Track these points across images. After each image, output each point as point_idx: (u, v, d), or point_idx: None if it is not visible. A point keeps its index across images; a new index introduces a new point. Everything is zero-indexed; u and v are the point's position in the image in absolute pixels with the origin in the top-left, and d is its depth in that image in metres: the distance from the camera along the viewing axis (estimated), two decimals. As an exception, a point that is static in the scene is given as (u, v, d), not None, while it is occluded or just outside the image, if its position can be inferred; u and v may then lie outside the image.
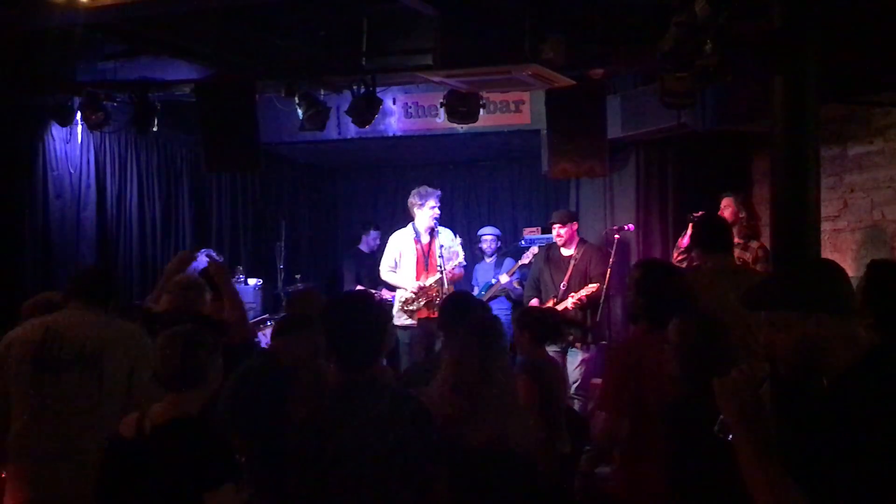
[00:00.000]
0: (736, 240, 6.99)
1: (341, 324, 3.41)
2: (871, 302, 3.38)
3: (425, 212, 8.02)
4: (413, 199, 8.17)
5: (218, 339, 3.44)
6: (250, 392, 4.27)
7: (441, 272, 7.82)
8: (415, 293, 8.03)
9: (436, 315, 7.58)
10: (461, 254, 8.31)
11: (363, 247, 10.04)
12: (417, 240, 8.10)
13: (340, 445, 3.18)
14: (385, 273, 8.39)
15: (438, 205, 8.07)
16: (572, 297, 7.59)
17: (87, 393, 3.99)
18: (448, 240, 8.18)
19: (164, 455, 3.17)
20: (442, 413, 3.56)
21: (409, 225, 8.24)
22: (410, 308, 8.00)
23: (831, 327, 2.44)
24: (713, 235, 5.38)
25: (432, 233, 8.13)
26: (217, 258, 8.23)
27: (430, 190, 8.14)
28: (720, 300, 4.56)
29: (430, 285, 7.93)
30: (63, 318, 4.18)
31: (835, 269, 2.58)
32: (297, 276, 9.34)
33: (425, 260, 7.97)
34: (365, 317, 3.42)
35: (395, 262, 8.30)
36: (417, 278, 8.09)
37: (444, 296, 7.50)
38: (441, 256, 7.86)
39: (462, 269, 8.38)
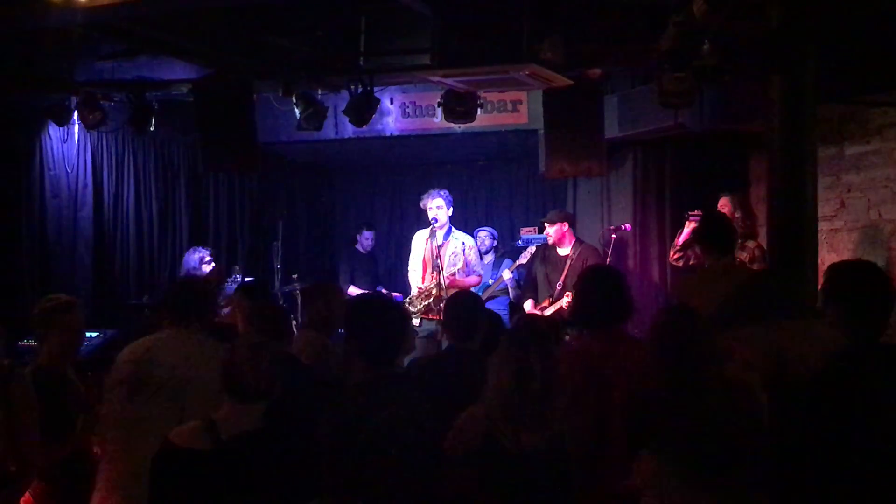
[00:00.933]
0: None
1: (369, 322, 3.62)
2: (831, 301, 3.39)
3: (428, 213, 8.06)
4: (421, 201, 8.21)
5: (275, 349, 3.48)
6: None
7: (439, 274, 7.81)
8: (416, 295, 8.04)
9: (434, 317, 7.62)
10: (473, 261, 8.28)
11: (359, 247, 10.07)
12: (429, 240, 8.09)
13: (367, 437, 3.27)
14: (409, 272, 8.42)
15: (441, 205, 8.03)
16: (567, 295, 7.60)
17: (170, 419, 3.87)
18: (458, 245, 8.17)
19: (249, 465, 3.13)
20: (492, 422, 3.57)
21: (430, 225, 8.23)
22: (413, 309, 8.01)
23: (794, 333, 2.46)
24: (715, 236, 5.39)
25: (446, 235, 8.11)
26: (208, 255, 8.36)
27: (432, 191, 8.16)
28: (707, 301, 4.58)
29: (430, 287, 7.92)
30: (161, 341, 4.20)
31: (787, 277, 2.62)
32: (294, 276, 9.34)
33: (432, 261, 7.96)
34: (389, 316, 3.66)
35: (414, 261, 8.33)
36: (423, 279, 8.09)
37: (443, 298, 7.49)
38: (438, 257, 7.86)
39: (476, 277, 8.34)
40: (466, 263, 8.13)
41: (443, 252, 7.95)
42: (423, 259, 8.14)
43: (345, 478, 3.28)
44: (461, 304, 4.77)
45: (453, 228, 8.24)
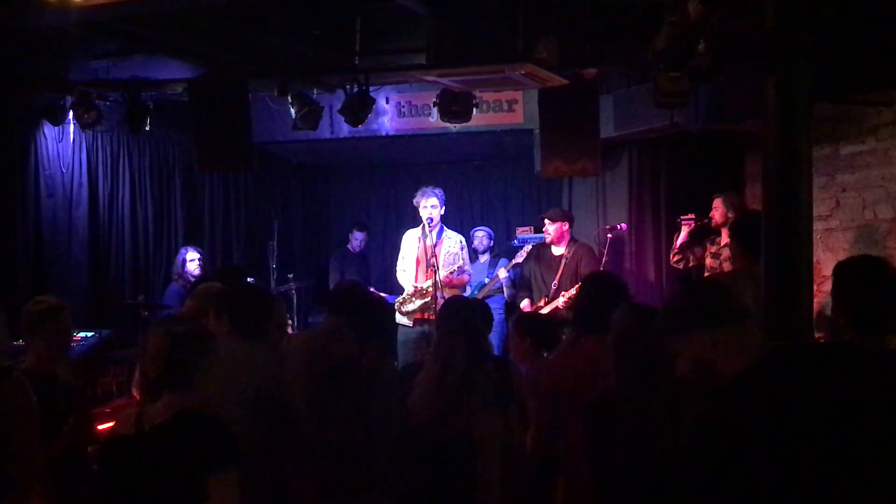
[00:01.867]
0: (725, 240, 7.01)
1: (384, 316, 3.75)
2: (841, 303, 3.38)
3: (420, 211, 8.03)
4: (414, 199, 8.18)
5: (207, 342, 3.44)
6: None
7: (436, 274, 7.80)
8: (410, 294, 8.02)
9: (430, 317, 7.59)
10: (466, 260, 8.30)
11: (350, 247, 10.06)
12: (422, 239, 8.07)
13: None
14: (397, 272, 8.40)
15: (436, 204, 8.01)
16: (563, 295, 7.59)
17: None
18: (453, 245, 8.17)
19: (165, 447, 3.18)
20: (421, 410, 3.63)
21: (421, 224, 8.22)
22: (405, 309, 7.99)
23: (715, 342, 2.48)
24: (751, 237, 5.32)
25: (439, 234, 8.09)
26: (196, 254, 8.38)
27: (427, 189, 8.13)
28: None
29: (426, 288, 7.89)
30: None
31: (707, 287, 2.63)
32: (290, 276, 9.34)
33: (426, 260, 7.93)
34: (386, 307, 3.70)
35: (405, 260, 8.29)
36: (417, 278, 8.07)
37: (439, 299, 7.50)
38: (434, 256, 7.85)
39: (467, 276, 8.34)
40: (454, 260, 8.14)
41: (438, 251, 7.93)
42: (417, 258, 8.11)
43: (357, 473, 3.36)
44: (454, 310, 4.78)
45: (445, 227, 8.23)
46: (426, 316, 7.79)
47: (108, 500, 3.32)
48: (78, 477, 4.42)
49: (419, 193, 8.12)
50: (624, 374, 3.35)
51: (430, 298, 7.72)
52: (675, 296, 2.67)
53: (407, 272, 8.24)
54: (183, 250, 8.58)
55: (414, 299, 7.96)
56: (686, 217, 7.45)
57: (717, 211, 7.30)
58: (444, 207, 8.17)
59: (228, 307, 4.29)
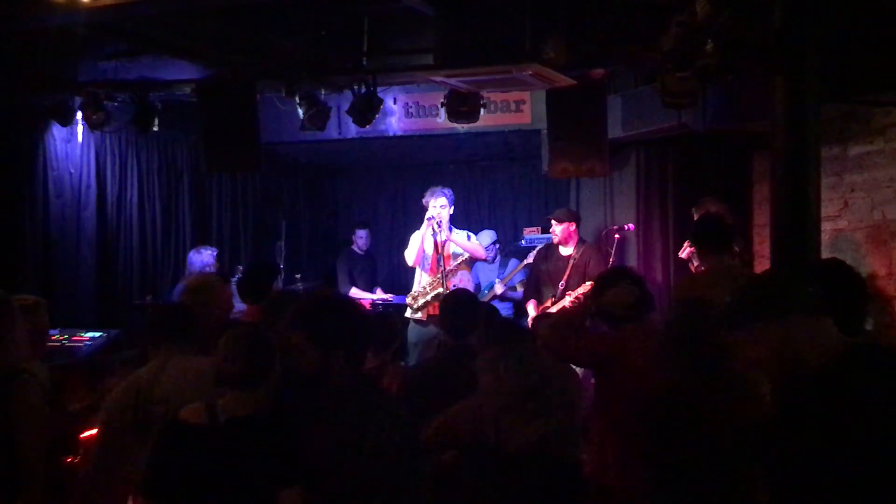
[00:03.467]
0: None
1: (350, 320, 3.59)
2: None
3: (429, 210, 8.05)
4: (423, 198, 8.20)
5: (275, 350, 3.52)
6: None
7: (441, 270, 7.82)
8: (422, 290, 8.04)
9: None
10: (477, 246, 8.36)
11: (355, 247, 10.06)
12: (433, 237, 8.07)
13: (369, 448, 3.37)
14: (405, 256, 8.45)
15: (445, 204, 8.02)
16: (569, 295, 7.58)
17: None
18: (462, 240, 8.18)
19: (240, 446, 3.25)
20: (479, 419, 3.56)
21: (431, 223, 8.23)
22: (418, 305, 8.01)
23: (802, 330, 2.47)
24: (707, 237, 5.39)
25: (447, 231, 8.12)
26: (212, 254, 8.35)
27: (436, 189, 8.14)
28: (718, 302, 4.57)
29: (437, 279, 7.92)
30: (150, 373, 4.05)
31: (796, 273, 2.62)
32: (298, 276, 9.35)
33: (438, 258, 7.95)
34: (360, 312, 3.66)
35: (414, 253, 8.29)
36: (432, 273, 8.09)
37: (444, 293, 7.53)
38: (440, 256, 7.86)
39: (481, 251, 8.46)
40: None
41: (446, 250, 7.96)
42: (432, 257, 8.11)
43: (345, 487, 3.31)
44: (457, 302, 4.78)
45: (453, 227, 8.23)
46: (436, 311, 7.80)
47: (173, 485, 3.30)
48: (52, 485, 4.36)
49: (428, 193, 8.14)
50: (681, 367, 3.35)
51: (442, 289, 7.74)
52: (740, 289, 2.64)
53: (411, 257, 8.26)
54: (208, 249, 8.46)
55: (427, 290, 7.99)
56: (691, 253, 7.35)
57: None
58: (452, 207, 8.18)
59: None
